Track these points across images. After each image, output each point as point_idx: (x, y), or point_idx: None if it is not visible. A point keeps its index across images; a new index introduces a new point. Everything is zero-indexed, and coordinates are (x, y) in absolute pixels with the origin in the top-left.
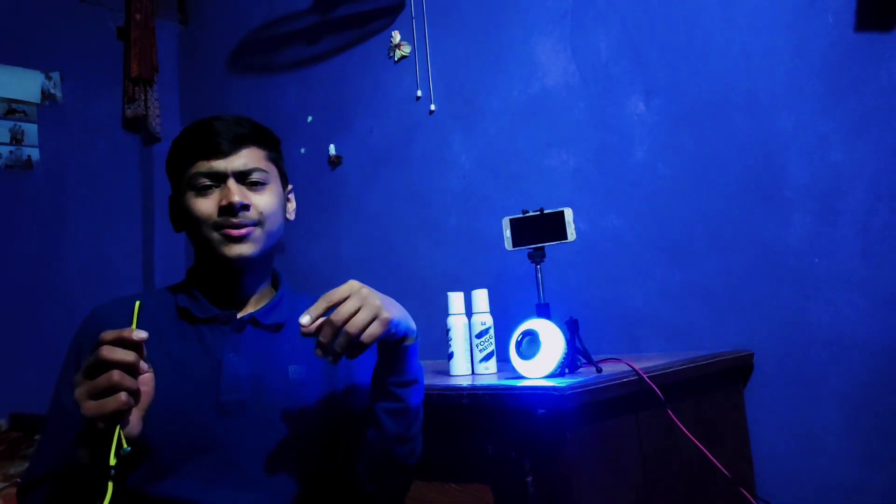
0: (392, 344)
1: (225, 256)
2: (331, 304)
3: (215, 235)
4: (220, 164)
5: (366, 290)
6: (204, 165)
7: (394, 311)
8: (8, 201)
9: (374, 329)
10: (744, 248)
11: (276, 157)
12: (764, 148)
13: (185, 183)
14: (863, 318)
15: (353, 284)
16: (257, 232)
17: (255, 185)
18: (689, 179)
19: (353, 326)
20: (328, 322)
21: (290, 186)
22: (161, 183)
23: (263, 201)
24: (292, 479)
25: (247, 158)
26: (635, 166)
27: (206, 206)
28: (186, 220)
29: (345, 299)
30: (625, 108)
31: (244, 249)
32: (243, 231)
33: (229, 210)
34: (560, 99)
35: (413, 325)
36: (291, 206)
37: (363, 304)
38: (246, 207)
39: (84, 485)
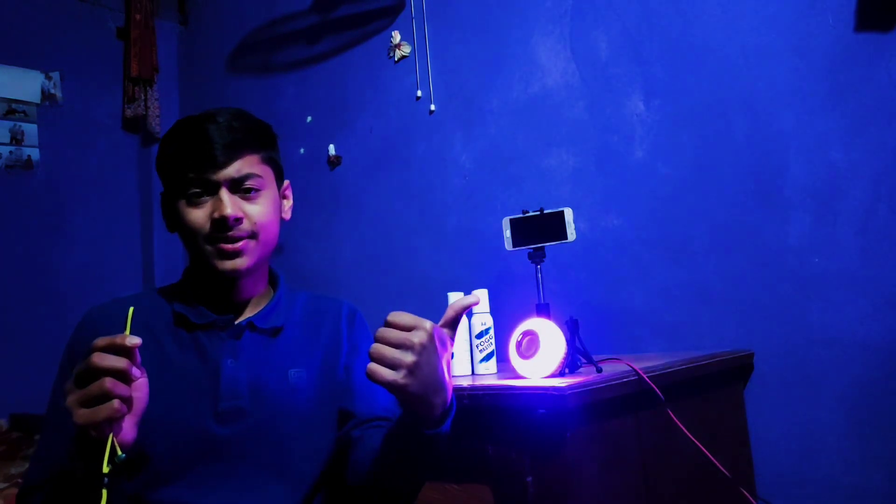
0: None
1: (218, 270)
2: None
3: (209, 248)
4: (212, 174)
5: (427, 343)
6: (194, 175)
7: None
8: (8, 201)
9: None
10: (744, 248)
11: (271, 156)
12: (764, 148)
13: (176, 188)
14: (863, 317)
15: (425, 324)
16: (251, 244)
17: (249, 192)
18: (688, 179)
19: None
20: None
21: (286, 182)
22: (161, 183)
23: (257, 211)
24: (293, 485)
25: (240, 165)
26: (635, 166)
27: (199, 217)
28: (179, 227)
29: (407, 327)
30: (625, 108)
31: (238, 263)
32: (238, 245)
33: (222, 223)
34: (560, 99)
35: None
36: (288, 203)
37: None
38: (239, 220)
39: (79, 493)
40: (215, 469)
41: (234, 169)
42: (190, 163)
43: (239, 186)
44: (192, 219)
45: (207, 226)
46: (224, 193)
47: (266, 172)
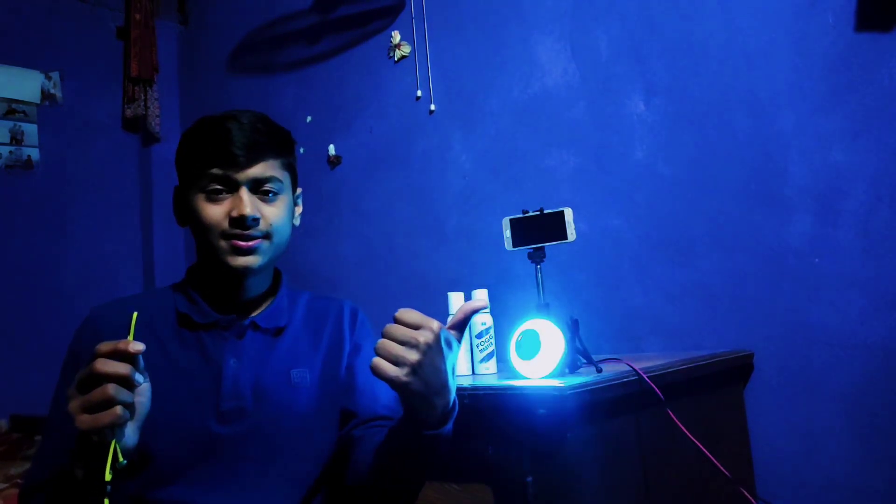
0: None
1: (230, 266)
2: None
3: (223, 244)
4: (235, 173)
5: (433, 343)
6: (217, 172)
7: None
8: (8, 201)
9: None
10: (744, 248)
11: (290, 162)
12: (764, 148)
13: (195, 183)
14: (863, 318)
15: (432, 325)
16: (265, 245)
17: (268, 195)
18: (689, 179)
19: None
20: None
21: (299, 190)
22: (161, 183)
23: (274, 213)
24: (295, 485)
25: (262, 168)
26: (635, 166)
27: (216, 213)
28: (193, 221)
29: (414, 325)
30: (625, 107)
31: (250, 261)
32: (252, 244)
33: (240, 222)
34: (560, 99)
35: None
36: (299, 210)
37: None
38: (256, 220)
39: (80, 495)
40: (217, 468)
41: (257, 170)
42: (214, 159)
43: (259, 188)
44: (210, 214)
45: (225, 222)
46: (244, 193)
47: (285, 178)
